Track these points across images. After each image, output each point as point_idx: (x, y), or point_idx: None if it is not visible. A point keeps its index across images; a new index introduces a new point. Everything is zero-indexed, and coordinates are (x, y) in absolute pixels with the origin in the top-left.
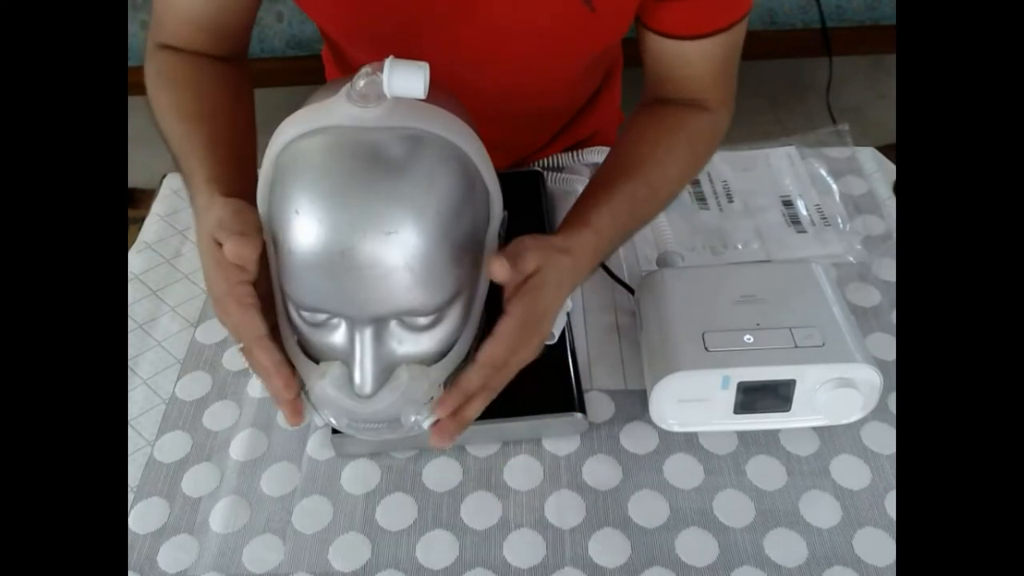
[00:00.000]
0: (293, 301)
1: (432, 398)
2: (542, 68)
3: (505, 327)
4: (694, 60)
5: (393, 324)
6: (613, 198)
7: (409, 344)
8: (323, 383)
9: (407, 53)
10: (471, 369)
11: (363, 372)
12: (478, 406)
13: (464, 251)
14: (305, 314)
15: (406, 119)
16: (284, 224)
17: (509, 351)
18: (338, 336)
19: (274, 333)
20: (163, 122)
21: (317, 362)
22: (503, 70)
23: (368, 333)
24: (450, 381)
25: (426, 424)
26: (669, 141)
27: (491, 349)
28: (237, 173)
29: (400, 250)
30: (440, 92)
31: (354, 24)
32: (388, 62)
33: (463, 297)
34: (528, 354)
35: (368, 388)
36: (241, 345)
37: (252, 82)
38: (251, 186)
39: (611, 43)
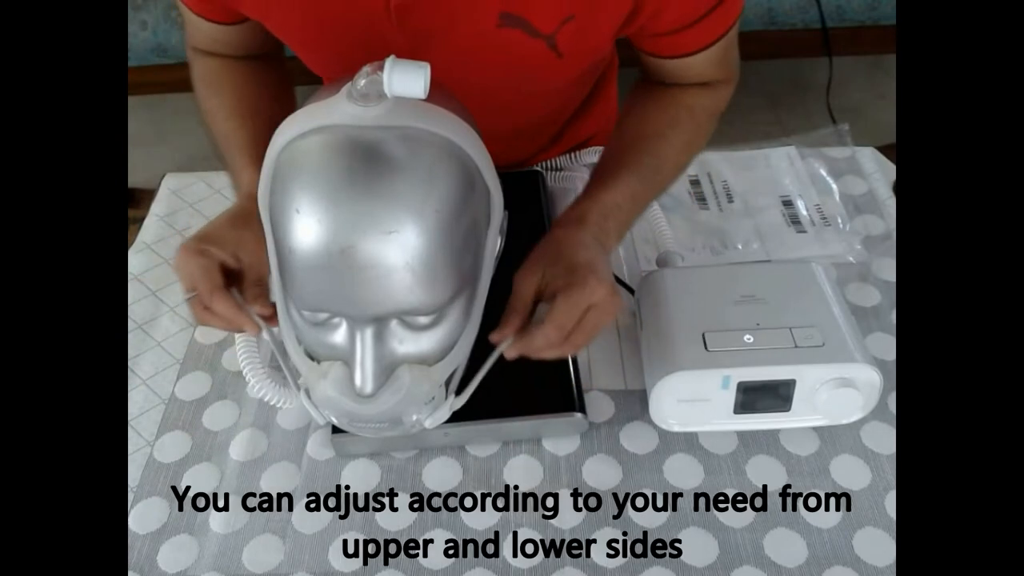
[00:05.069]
0: (294, 300)
1: (433, 397)
2: (513, 97)
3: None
4: (695, 65)
5: (394, 323)
6: (620, 170)
7: (410, 343)
8: (324, 383)
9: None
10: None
11: (364, 372)
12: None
13: (465, 250)
14: (306, 313)
15: (406, 118)
16: (285, 223)
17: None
18: (339, 336)
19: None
20: (211, 123)
21: (318, 362)
22: (473, 95)
23: (369, 333)
24: (451, 381)
25: (427, 423)
26: (671, 116)
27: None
28: None
29: (400, 249)
30: (441, 92)
31: (318, 49)
32: (389, 62)
33: (464, 296)
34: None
35: (369, 388)
36: (191, 295)
37: (290, 77)
38: None
39: (584, 79)
